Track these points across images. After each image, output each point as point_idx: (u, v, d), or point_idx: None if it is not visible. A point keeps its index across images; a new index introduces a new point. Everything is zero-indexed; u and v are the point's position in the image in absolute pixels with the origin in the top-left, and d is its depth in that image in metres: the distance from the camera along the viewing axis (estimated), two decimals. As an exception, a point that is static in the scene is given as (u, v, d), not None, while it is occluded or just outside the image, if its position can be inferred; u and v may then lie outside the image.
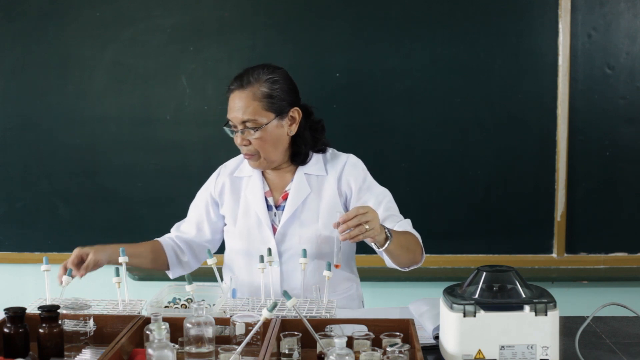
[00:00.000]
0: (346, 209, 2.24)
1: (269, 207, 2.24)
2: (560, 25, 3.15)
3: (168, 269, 2.33)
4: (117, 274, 2.00)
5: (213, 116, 3.23)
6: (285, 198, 2.24)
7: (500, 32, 3.17)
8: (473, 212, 3.24)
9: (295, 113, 2.20)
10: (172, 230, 2.39)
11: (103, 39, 3.22)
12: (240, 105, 2.14)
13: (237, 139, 2.17)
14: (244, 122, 2.14)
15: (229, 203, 2.29)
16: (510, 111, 3.21)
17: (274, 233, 2.22)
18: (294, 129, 2.21)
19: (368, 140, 3.10)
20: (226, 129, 2.20)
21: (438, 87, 3.20)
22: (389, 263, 2.14)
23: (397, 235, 2.02)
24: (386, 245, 1.98)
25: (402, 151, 3.20)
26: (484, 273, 1.69)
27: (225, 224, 2.32)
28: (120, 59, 3.23)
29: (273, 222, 2.23)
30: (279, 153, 2.21)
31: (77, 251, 2.09)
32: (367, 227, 1.89)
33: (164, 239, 2.34)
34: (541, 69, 3.18)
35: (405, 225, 2.16)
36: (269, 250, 2.12)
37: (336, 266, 2.04)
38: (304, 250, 2.11)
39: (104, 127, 3.26)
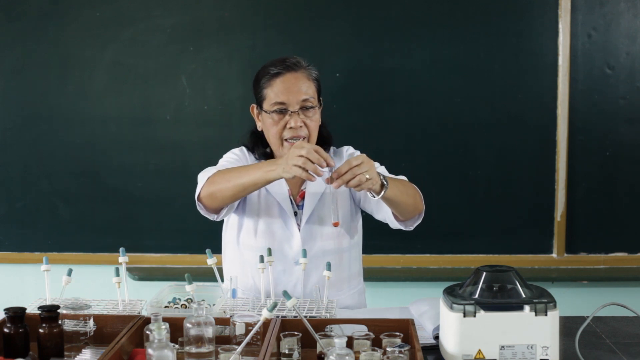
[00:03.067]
0: (355, 199, 2.26)
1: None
2: (560, 25, 3.15)
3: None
4: (117, 274, 2.00)
5: (213, 116, 3.23)
6: (302, 197, 2.24)
7: (500, 32, 3.17)
8: (473, 212, 3.24)
9: (321, 101, 2.23)
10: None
11: (103, 39, 3.22)
12: (298, 85, 2.12)
13: (291, 122, 2.11)
14: (303, 101, 2.12)
15: (253, 195, 2.23)
16: (510, 111, 3.21)
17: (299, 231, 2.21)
18: (320, 117, 2.22)
19: (368, 140, 3.10)
20: (273, 115, 2.13)
21: (438, 87, 3.20)
22: (393, 222, 2.14)
23: (392, 181, 1.99)
24: (383, 192, 1.94)
25: (402, 151, 3.20)
26: (484, 273, 1.69)
27: (237, 216, 2.27)
28: (120, 59, 3.23)
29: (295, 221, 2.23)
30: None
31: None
32: (367, 176, 1.86)
33: None
34: (541, 69, 3.18)
35: (400, 178, 2.15)
36: (269, 250, 2.11)
37: (335, 224, 1.97)
38: (304, 251, 2.11)
39: (104, 127, 3.26)
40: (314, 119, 2.16)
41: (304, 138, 2.14)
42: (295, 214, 2.23)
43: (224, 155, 2.29)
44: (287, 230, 2.21)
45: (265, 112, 2.16)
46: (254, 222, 2.24)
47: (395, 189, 1.99)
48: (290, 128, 2.12)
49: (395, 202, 2.03)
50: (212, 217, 2.18)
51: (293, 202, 2.24)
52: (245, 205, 2.25)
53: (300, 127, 2.12)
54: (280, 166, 1.94)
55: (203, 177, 2.13)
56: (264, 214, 2.23)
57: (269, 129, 2.17)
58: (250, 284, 2.25)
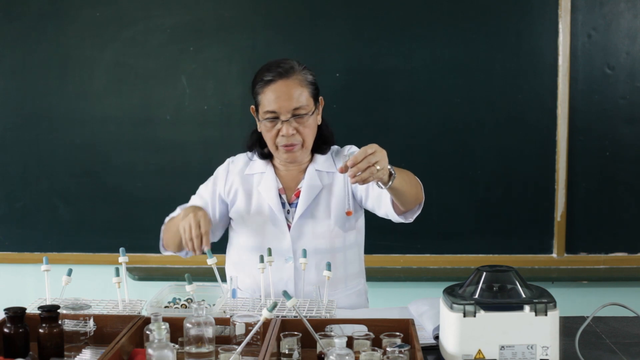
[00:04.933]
0: (357, 197, 2.25)
1: (282, 205, 2.24)
2: (560, 25, 3.15)
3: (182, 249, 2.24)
4: (117, 274, 2.00)
5: (213, 116, 3.23)
6: (298, 195, 2.24)
7: (500, 32, 3.18)
8: (473, 212, 3.25)
9: (321, 102, 2.23)
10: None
11: (103, 39, 3.22)
12: (290, 93, 2.12)
13: (283, 130, 2.13)
14: (294, 110, 2.12)
15: (240, 201, 2.26)
16: (510, 111, 3.21)
17: (289, 230, 2.21)
18: (319, 118, 2.22)
19: (368, 140, 3.06)
20: (265, 123, 2.14)
21: (438, 87, 3.20)
22: (394, 216, 2.13)
23: (398, 171, 1.98)
24: (391, 182, 1.92)
25: (402, 151, 3.19)
26: (484, 273, 1.69)
27: (231, 219, 2.30)
28: (120, 59, 3.23)
29: (287, 219, 2.23)
30: (312, 143, 2.22)
31: (205, 222, 2.02)
32: (377, 167, 1.83)
33: None
34: (541, 69, 3.18)
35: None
36: (269, 250, 2.12)
37: (348, 213, 1.96)
38: (304, 250, 2.11)
39: (104, 127, 3.26)
40: (308, 125, 2.16)
41: (296, 145, 2.15)
42: (289, 212, 2.24)
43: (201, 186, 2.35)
44: (276, 229, 2.22)
45: (259, 119, 2.17)
46: (244, 221, 2.26)
47: (401, 179, 1.98)
48: (283, 136, 2.14)
49: (400, 192, 2.01)
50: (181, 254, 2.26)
51: (286, 200, 2.25)
52: (238, 206, 2.27)
53: (293, 134, 2.14)
54: (182, 222, 2.03)
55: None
56: (255, 214, 2.24)
57: (265, 135, 2.19)
58: (247, 284, 2.26)
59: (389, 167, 1.92)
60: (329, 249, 2.21)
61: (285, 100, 2.12)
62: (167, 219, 2.27)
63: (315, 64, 3.07)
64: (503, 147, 3.22)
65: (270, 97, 2.13)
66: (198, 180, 2.41)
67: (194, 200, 2.32)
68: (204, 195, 2.30)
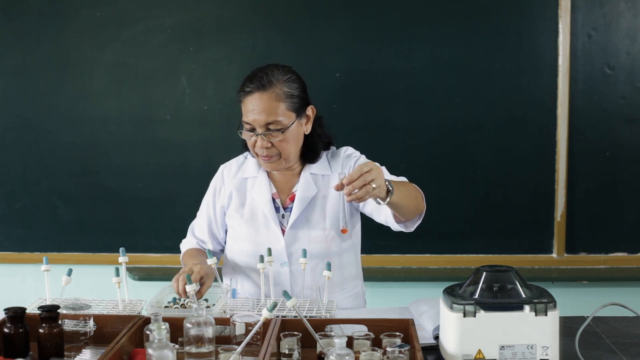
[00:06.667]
0: (354, 202, 2.24)
1: (276, 209, 2.23)
2: (560, 25, 3.15)
3: None
4: (117, 274, 2.00)
5: (213, 116, 3.23)
6: (292, 199, 2.23)
7: (500, 32, 3.17)
8: (473, 212, 3.24)
9: (310, 111, 2.20)
10: (190, 237, 2.38)
11: (103, 39, 3.22)
12: (263, 107, 2.11)
13: (258, 142, 2.13)
14: (267, 124, 2.11)
15: (235, 205, 2.27)
16: (510, 111, 3.20)
17: (283, 235, 2.21)
18: (309, 127, 2.21)
19: (368, 140, 3.10)
20: (245, 132, 2.16)
21: (438, 87, 3.20)
22: (393, 225, 2.13)
23: (397, 185, 1.97)
24: (389, 198, 1.91)
25: (402, 151, 3.20)
26: (484, 273, 1.69)
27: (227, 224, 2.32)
28: (120, 59, 3.23)
29: (281, 224, 2.22)
30: (297, 153, 2.21)
31: (199, 271, 2.03)
32: (373, 185, 1.81)
33: (200, 246, 2.35)
34: (541, 69, 3.18)
35: (401, 179, 2.15)
36: (269, 250, 2.12)
37: (343, 231, 1.94)
38: (304, 251, 2.11)
39: (104, 127, 3.26)
40: (285, 139, 2.14)
41: (273, 157, 2.15)
42: (284, 216, 2.23)
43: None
44: (270, 234, 2.21)
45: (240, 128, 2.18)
46: (238, 225, 2.25)
47: (400, 194, 1.97)
48: (260, 147, 2.15)
49: (399, 206, 2.01)
50: None
51: (280, 205, 2.24)
52: (232, 211, 2.27)
53: (268, 148, 2.14)
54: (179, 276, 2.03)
55: (182, 247, 2.40)
56: (249, 219, 2.24)
57: (247, 142, 2.19)
58: (245, 287, 2.26)
59: (386, 182, 1.91)
60: (325, 253, 2.20)
61: (259, 114, 2.11)
62: (182, 249, 2.41)
63: (315, 64, 3.09)
64: (503, 147, 3.22)
65: (246, 109, 2.14)
66: (198, 180, 2.41)
67: (199, 217, 2.36)
68: (209, 213, 2.32)
